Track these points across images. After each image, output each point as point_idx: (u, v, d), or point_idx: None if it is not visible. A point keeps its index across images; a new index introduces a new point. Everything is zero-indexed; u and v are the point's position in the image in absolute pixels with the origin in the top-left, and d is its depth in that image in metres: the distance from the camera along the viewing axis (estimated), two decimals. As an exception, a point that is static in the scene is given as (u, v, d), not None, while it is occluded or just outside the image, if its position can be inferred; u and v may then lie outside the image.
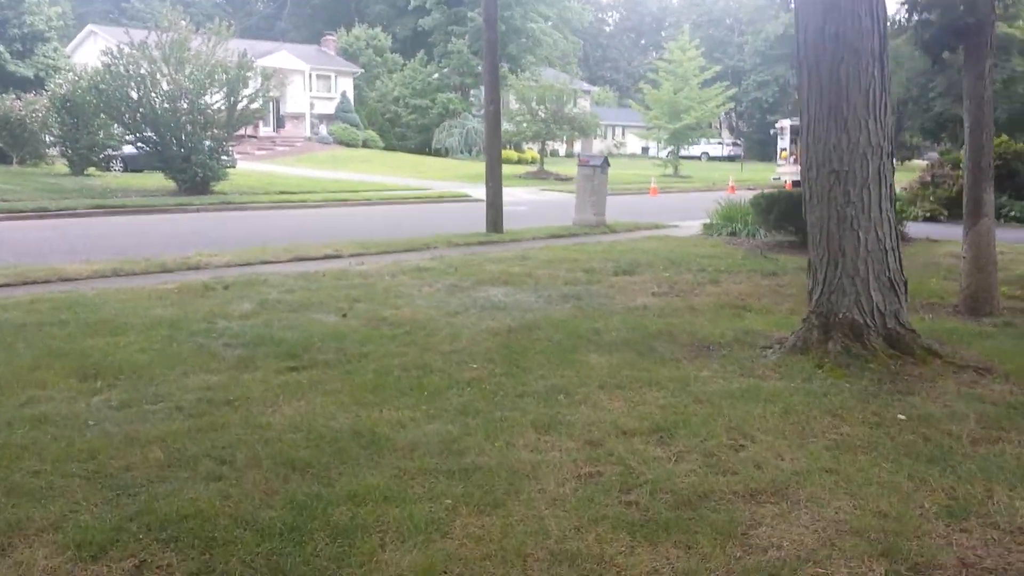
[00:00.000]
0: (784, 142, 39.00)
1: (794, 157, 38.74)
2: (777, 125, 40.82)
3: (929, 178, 18.47)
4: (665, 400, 4.69)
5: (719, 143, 63.45)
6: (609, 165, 16.19)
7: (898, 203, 14.97)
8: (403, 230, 15.39)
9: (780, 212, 12.74)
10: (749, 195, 28.31)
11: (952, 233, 14.83)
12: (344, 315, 7.24)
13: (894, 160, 5.14)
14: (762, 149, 72.50)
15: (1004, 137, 19.11)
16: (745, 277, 9.73)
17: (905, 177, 40.03)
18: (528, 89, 34.93)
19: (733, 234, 14.22)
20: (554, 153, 47.96)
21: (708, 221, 15.33)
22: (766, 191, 13.27)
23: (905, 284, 5.58)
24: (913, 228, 14.43)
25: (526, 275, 9.62)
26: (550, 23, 53.03)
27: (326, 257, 11.43)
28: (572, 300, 8.16)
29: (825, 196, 5.42)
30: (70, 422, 4.41)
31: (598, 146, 62.72)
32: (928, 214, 17.29)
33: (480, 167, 38.93)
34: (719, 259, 11.21)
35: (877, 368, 5.14)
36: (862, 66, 5.24)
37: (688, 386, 4.97)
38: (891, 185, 5.51)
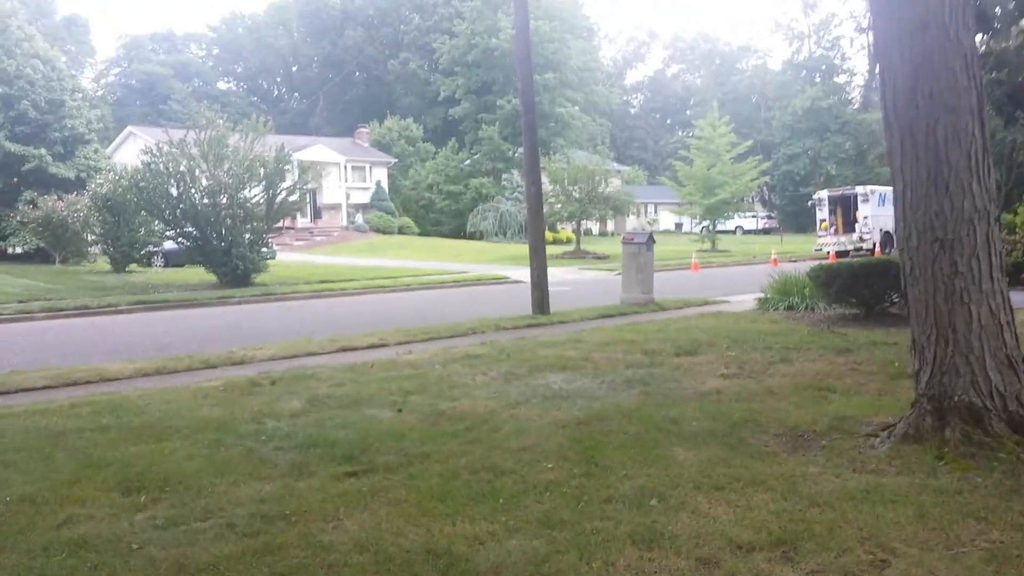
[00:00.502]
0: (823, 213, 38.54)
1: (834, 228, 38.23)
2: (815, 196, 40.38)
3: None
4: (776, 504, 4.12)
5: (753, 216, 63.15)
6: (655, 242, 15.80)
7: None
8: (446, 315, 15.02)
9: (842, 284, 12.18)
10: (792, 267, 27.87)
11: (1017, 299, 14.19)
12: (399, 410, 6.78)
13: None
14: (796, 220, 72.02)
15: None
16: (817, 355, 9.13)
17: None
18: (561, 171, 34.96)
19: (790, 308, 13.61)
20: (587, 232, 47.84)
21: (762, 295, 14.74)
22: (824, 263, 12.73)
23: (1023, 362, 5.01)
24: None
25: (583, 359, 9.12)
26: (577, 107, 53.76)
27: (372, 347, 11.04)
28: (637, 385, 7.63)
29: (929, 268, 4.91)
30: (112, 546, 3.95)
31: (631, 224, 62.65)
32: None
33: (516, 249, 39.25)
34: (783, 336, 10.63)
35: (1007, 458, 4.54)
36: (961, 126, 4.80)
37: (797, 486, 4.39)
38: (1001, 253, 4.99)
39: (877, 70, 5.17)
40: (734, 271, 29.19)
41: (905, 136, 4.96)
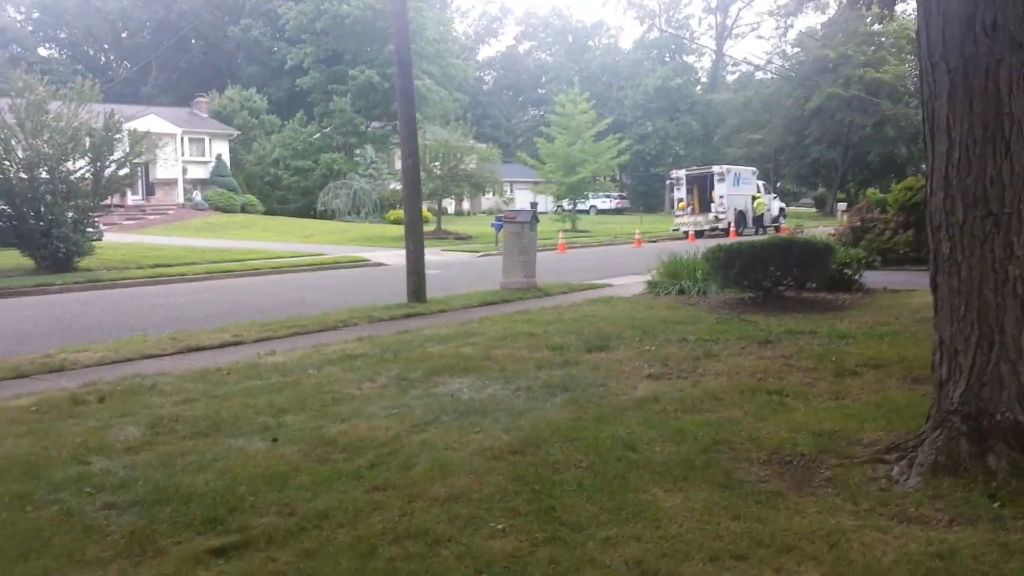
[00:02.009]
0: (680, 192, 38.88)
1: (691, 207, 38.62)
2: (673, 175, 40.72)
3: (859, 223, 17.83)
4: (833, 582, 3.04)
5: (606, 196, 63.64)
6: (538, 220, 14.76)
7: (846, 249, 14.13)
8: (307, 304, 13.45)
9: (742, 267, 11.54)
10: (656, 248, 27.74)
11: (902, 280, 14.15)
12: (274, 439, 5.32)
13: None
14: (646, 200, 73.58)
15: (913, 179, 18.85)
16: (738, 347, 8.30)
17: (800, 223, 40.46)
18: (421, 147, 33.45)
19: (682, 292, 12.99)
20: (444, 212, 46.54)
21: (650, 278, 14.05)
22: (723, 243, 12.05)
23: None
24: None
25: (484, 358, 7.90)
26: (432, 81, 52.09)
27: (224, 345, 9.40)
28: (559, 391, 6.49)
29: (978, 249, 3.97)
30: None
31: (488, 203, 61.80)
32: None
33: (372, 229, 37.50)
34: (691, 324, 9.81)
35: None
36: None
37: (841, 549, 3.34)
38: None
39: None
40: (600, 252, 28.78)
41: (956, 80, 3.97)
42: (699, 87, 78.85)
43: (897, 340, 8.42)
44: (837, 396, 6.18)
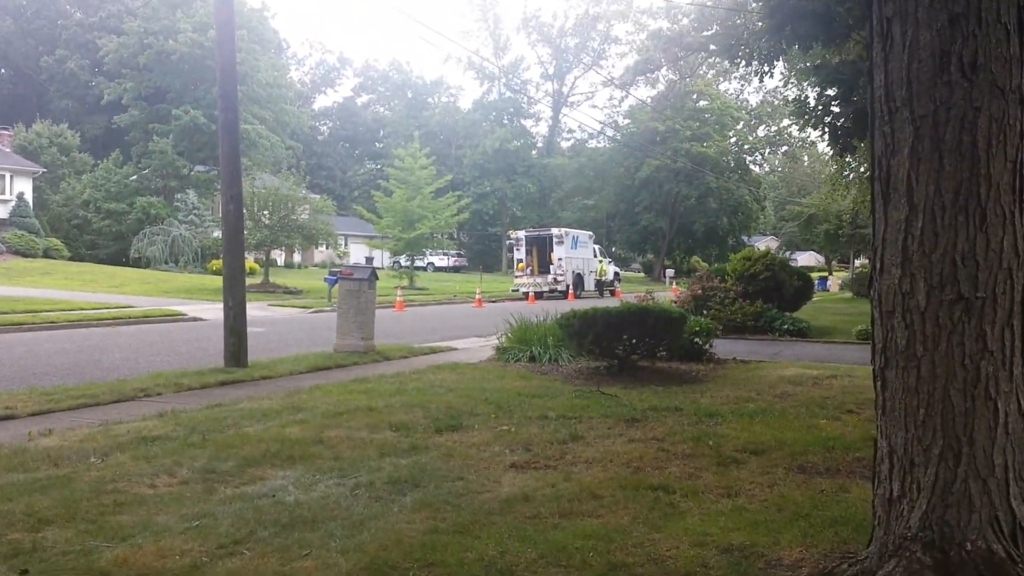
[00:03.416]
0: (520, 253, 38.78)
1: (530, 268, 38.53)
2: (513, 236, 40.75)
3: (700, 291, 17.85)
4: None
5: (444, 254, 63.09)
6: (377, 278, 13.66)
7: (696, 318, 13.88)
8: (105, 367, 11.70)
9: (596, 335, 10.93)
10: (496, 308, 27.15)
11: (747, 350, 14.07)
12: (24, 572, 3.88)
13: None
14: (483, 259, 73.70)
15: (765, 248, 19.26)
16: (605, 428, 7.49)
17: (632, 288, 41.21)
18: (249, 193, 31.54)
19: (533, 359, 12.28)
20: (272, 263, 44.36)
21: (499, 343, 13.27)
22: (577, 310, 11.38)
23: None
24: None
25: (314, 441, 6.67)
26: (264, 126, 50.12)
27: (-11, 420, 7.64)
28: (409, 489, 5.37)
29: (944, 342, 3.24)
30: None
31: (321, 256, 59.76)
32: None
33: (190, 280, 34.93)
34: (548, 398, 8.96)
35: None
36: (1010, 120, 3.21)
37: None
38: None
39: (875, 21, 3.41)
40: (440, 311, 27.89)
41: (923, 132, 3.23)
42: (535, 151, 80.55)
43: (768, 420, 7.91)
44: (729, 493, 5.41)
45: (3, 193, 42.63)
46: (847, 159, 22.51)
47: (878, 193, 3.43)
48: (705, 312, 16.97)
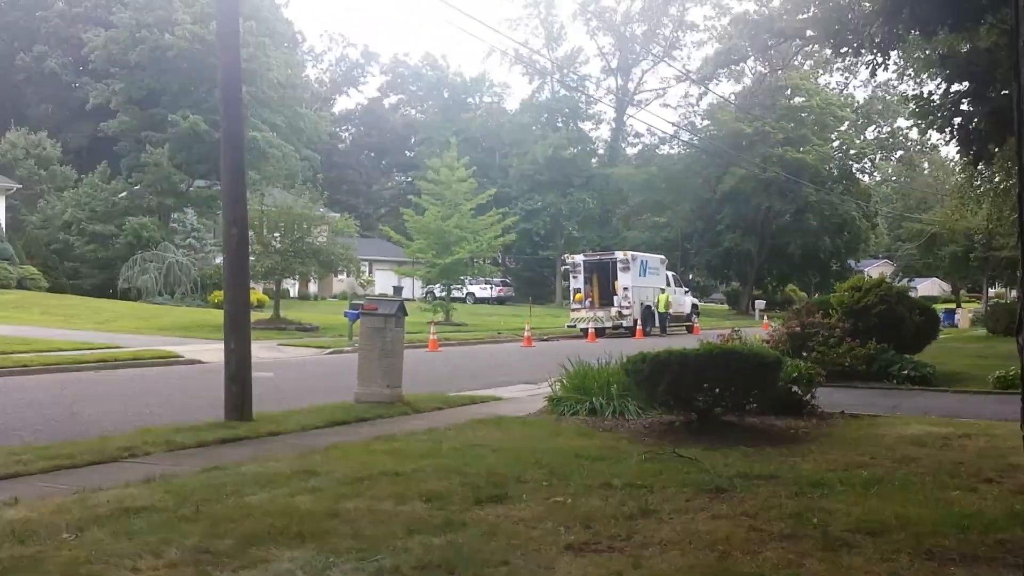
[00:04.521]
0: (577, 282, 38.83)
1: (590, 300, 38.48)
2: (568, 261, 40.86)
3: (798, 328, 17.56)
4: None
5: (486, 283, 63.33)
6: (406, 312, 13.74)
7: (795, 362, 13.64)
8: (86, 419, 11.92)
9: (672, 383, 10.76)
10: (550, 349, 27.06)
11: (857, 402, 13.79)
12: (-28, 676, 3.86)
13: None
14: (534, 289, 73.62)
15: (879, 275, 18.99)
16: (683, 501, 7.33)
17: (713, 323, 40.94)
18: (257, 212, 32.05)
19: (594, 412, 12.23)
20: (284, 295, 45.00)
21: (551, 391, 13.32)
22: (647, 353, 11.26)
23: None
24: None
25: (329, 514, 6.62)
26: (276, 134, 51.04)
27: (-55, 486, 7.74)
28: (442, 578, 5.27)
29: None
30: None
31: (341, 286, 60.42)
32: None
33: (189, 315, 35.49)
34: (614, 462, 8.85)
35: None
36: None
37: None
38: None
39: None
40: (482, 352, 27.99)
41: None
42: (596, 159, 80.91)
43: (886, 491, 7.68)
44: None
45: (-29, 214, 44.00)
46: (979, 168, 22.10)
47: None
48: (805, 354, 16.70)
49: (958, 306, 57.89)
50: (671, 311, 40.31)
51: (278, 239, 32.53)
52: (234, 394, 11.39)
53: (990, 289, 58.22)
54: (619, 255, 39.34)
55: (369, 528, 6.31)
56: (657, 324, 39.36)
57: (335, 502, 7.00)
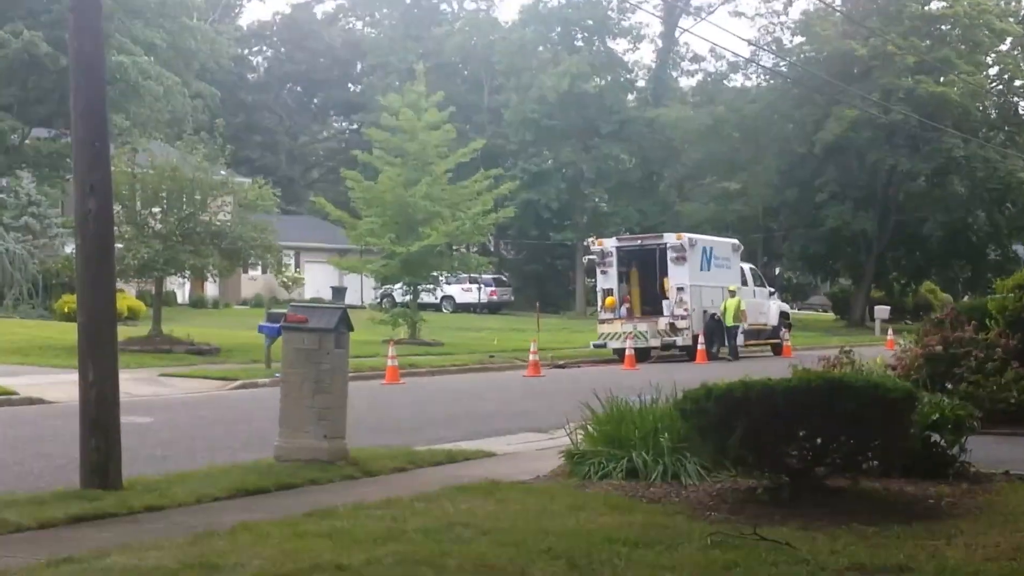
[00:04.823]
0: (608, 279, 38.87)
1: (627, 306, 38.59)
2: (595, 248, 40.80)
3: (940, 347, 17.64)
4: None
5: (472, 281, 63.10)
6: (351, 327, 13.86)
7: (934, 398, 13.71)
8: None
9: (751, 430, 10.79)
10: (568, 378, 27.12)
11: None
12: None
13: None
14: (541, 290, 73.78)
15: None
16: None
17: (811, 340, 41.14)
18: (127, 175, 32.09)
19: (634, 474, 12.36)
20: (169, 300, 45.09)
21: (570, 442, 13.50)
22: (712, 385, 11.35)
23: None
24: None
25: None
26: (153, 59, 51.06)
27: None
28: None
29: None
30: None
31: (252, 286, 60.60)
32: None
33: (24, 332, 35.34)
34: (664, 550, 8.96)
35: None
36: None
37: None
38: None
39: None
40: (465, 384, 28.33)
41: None
42: (634, 96, 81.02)
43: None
44: None
45: None
46: None
47: None
48: (950, 386, 16.85)
49: None
50: (746, 322, 40.27)
51: (159, 217, 32.53)
52: (94, 449, 11.44)
53: None
54: (671, 239, 39.38)
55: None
56: (727, 343, 39.35)
57: (247, 612, 7.07)
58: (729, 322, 39.31)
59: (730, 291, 39.82)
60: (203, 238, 33.14)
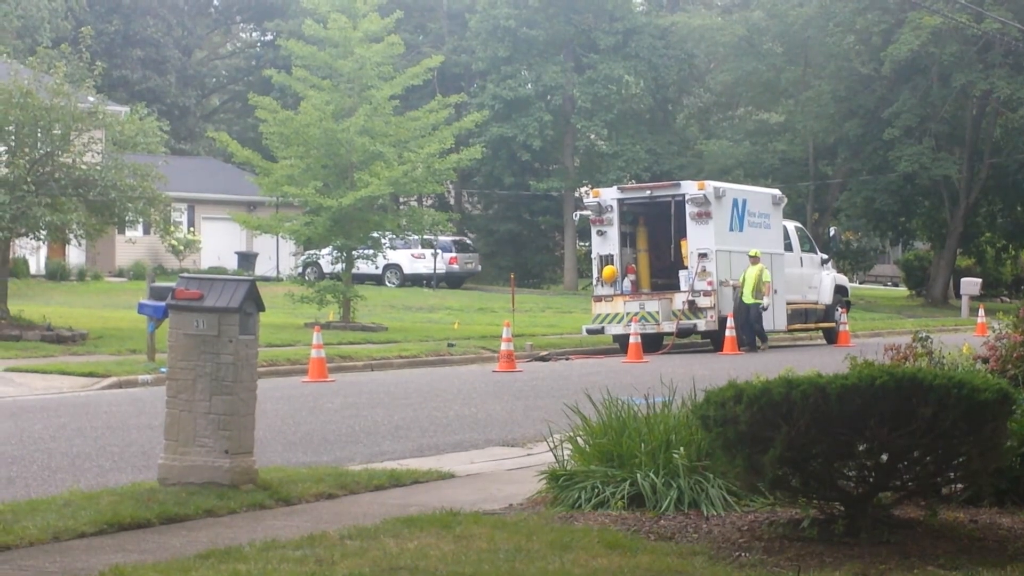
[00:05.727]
0: (606, 243, 38.94)
1: (632, 279, 38.67)
2: (587, 200, 40.93)
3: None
4: None
5: (426, 246, 62.96)
6: (262, 307, 13.86)
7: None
8: None
9: (794, 443, 10.84)
10: (551, 374, 27.28)
11: None
12: None
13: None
14: (517, 257, 73.99)
15: None
16: None
17: (876, 324, 41.70)
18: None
19: (639, 501, 12.45)
20: (18, 270, 45.08)
21: (555, 460, 13.66)
22: (746, 383, 11.41)
23: None
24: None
25: None
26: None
27: None
28: None
29: None
30: None
31: (130, 251, 60.55)
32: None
33: None
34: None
35: None
36: None
37: None
38: None
39: None
40: (415, 381, 28.31)
41: None
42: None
43: None
44: None
45: None
46: None
47: None
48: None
49: None
50: (769, 296, 39.39)
51: (4, 159, 32.49)
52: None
53: None
54: (691, 189, 39.39)
55: None
56: (754, 323, 38.83)
57: None
58: (748, 299, 38.66)
59: (751, 256, 39.79)
60: (64, 187, 33.18)
